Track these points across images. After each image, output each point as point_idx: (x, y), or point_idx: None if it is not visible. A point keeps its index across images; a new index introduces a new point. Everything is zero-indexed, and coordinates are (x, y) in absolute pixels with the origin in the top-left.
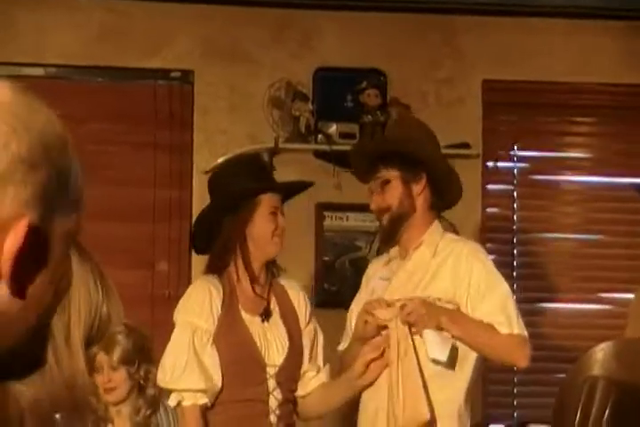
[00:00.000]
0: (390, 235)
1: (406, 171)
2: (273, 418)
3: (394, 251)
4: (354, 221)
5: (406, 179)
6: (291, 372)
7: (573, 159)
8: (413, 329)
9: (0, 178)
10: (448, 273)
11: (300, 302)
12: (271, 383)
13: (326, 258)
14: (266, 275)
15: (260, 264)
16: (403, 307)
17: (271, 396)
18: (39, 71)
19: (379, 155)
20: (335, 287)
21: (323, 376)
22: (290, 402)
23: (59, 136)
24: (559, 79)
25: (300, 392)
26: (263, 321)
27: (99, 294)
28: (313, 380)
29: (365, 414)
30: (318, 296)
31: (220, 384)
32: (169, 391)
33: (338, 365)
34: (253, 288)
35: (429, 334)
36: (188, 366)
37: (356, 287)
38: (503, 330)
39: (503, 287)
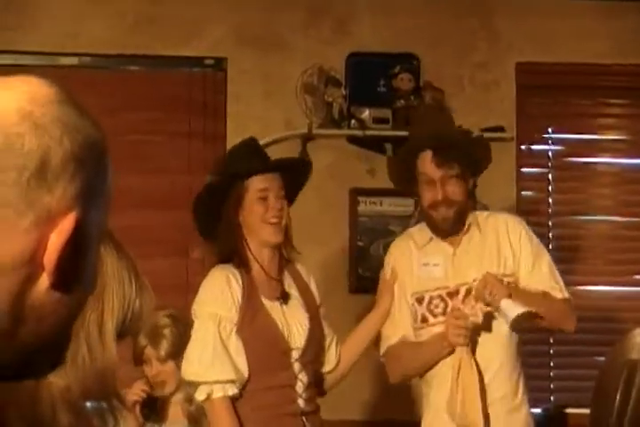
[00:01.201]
0: (454, 227)
1: (467, 167)
2: (301, 402)
3: (421, 234)
4: (387, 205)
5: (468, 175)
6: (314, 353)
7: (608, 141)
8: (489, 308)
9: (53, 172)
10: (500, 248)
11: (312, 281)
12: (297, 367)
13: (360, 243)
14: (280, 258)
15: (268, 249)
16: (482, 287)
17: (298, 380)
18: (74, 60)
19: (447, 150)
20: (369, 273)
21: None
22: (315, 385)
23: (101, 139)
24: (593, 61)
25: (327, 368)
26: (282, 304)
27: (132, 290)
28: (334, 353)
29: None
30: (353, 282)
31: (247, 373)
32: (197, 385)
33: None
34: (266, 273)
35: (506, 302)
36: (216, 358)
37: None
38: (558, 295)
39: (547, 253)
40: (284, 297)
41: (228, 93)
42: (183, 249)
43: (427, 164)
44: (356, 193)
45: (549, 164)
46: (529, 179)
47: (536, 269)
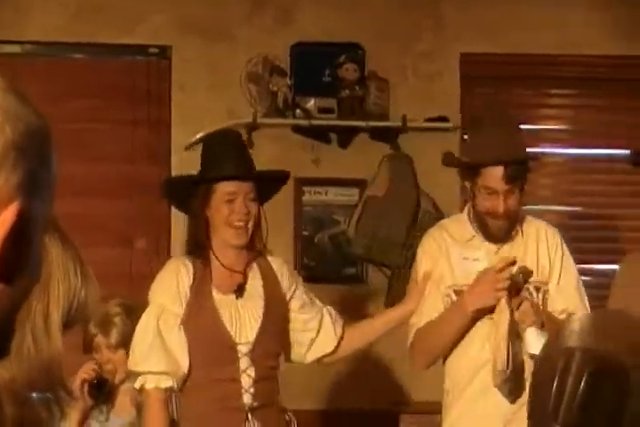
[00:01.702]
0: (507, 235)
1: (526, 179)
2: (247, 398)
3: (459, 229)
4: (332, 195)
5: (524, 186)
6: (265, 348)
7: (551, 131)
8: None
9: None
10: (539, 255)
11: (284, 273)
12: (244, 362)
13: (305, 233)
14: (247, 255)
15: (234, 249)
16: (518, 306)
17: (244, 375)
18: (16, 48)
19: (518, 167)
20: (315, 262)
21: (332, 324)
22: (268, 379)
23: (43, 126)
24: (537, 52)
25: (326, 349)
26: (237, 298)
27: (78, 280)
28: (333, 335)
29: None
30: (298, 271)
31: (186, 367)
32: (135, 374)
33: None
34: (226, 267)
35: (531, 333)
36: (152, 349)
37: (335, 262)
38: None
39: (575, 269)
40: (241, 290)
41: (173, 82)
42: (127, 239)
43: (496, 179)
44: (301, 183)
45: None
46: None
47: (563, 284)
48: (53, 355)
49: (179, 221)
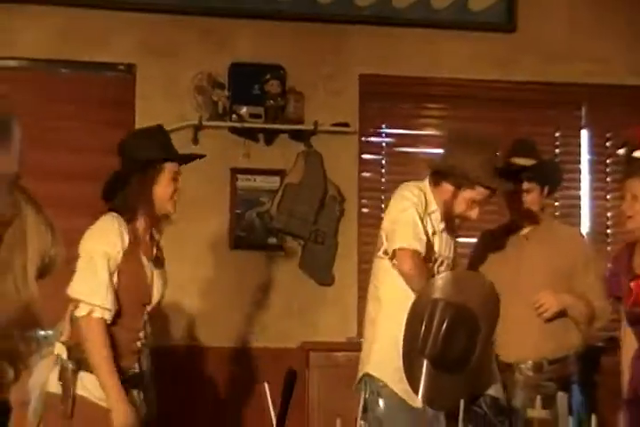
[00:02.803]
0: None
1: None
2: (140, 344)
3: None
4: (259, 182)
5: None
6: (156, 311)
7: (427, 136)
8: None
9: None
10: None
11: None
12: (145, 317)
13: (238, 211)
14: (157, 227)
15: (157, 219)
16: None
17: (143, 328)
18: (13, 63)
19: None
20: (245, 233)
21: None
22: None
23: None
24: (416, 74)
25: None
26: (153, 266)
27: (48, 239)
28: None
29: None
30: (232, 240)
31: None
32: (76, 302)
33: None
34: (153, 237)
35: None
36: (102, 286)
37: (260, 234)
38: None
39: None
40: (156, 261)
41: (137, 92)
42: (96, 213)
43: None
44: (235, 172)
45: (383, 152)
46: (367, 164)
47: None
48: (31, 300)
49: None
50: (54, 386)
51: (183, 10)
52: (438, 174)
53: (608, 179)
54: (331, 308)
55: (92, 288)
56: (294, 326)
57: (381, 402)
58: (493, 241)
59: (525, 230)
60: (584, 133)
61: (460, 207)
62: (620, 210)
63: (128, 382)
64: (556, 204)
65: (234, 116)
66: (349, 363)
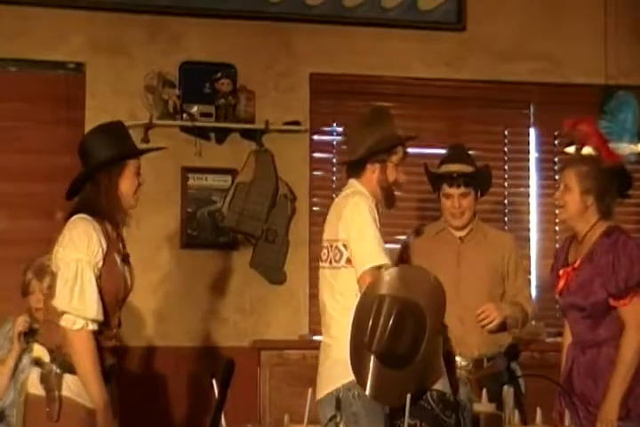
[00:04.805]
0: None
1: None
2: (114, 341)
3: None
4: (211, 180)
5: None
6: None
7: None
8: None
9: None
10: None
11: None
12: (118, 313)
13: (189, 209)
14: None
15: (123, 214)
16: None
17: (116, 324)
18: None
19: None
20: (196, 232)
21: None
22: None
23: None
24: (366, 73)
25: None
26: (122, 261)
27: None
28: None
29: None
30: (183, 239)
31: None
32: (61, 313)
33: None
34: (118, 233)
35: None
36: (96, 300)
37: (212, 232)
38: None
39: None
40: (125, 256)
41: (87, 91)
42: (50, 212)
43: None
44: (187, 171)
45: (334, 150)
46: (319, 162)
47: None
48: None
49: None
50: (35, 387)
51: (133, 8)
52: (358, 163)
53: (556, 177)
54: (283, 306)
55: (83, 303)
56: (246, 324)
57: (357, 397)
58: (428, 241)
59: (460, 233)
60: (532, 132)
61: (392, 176)
62: (553, 198)
63: (104, 376)
64: (505, 201)
65: (185, 114)
66: (300, 361)
